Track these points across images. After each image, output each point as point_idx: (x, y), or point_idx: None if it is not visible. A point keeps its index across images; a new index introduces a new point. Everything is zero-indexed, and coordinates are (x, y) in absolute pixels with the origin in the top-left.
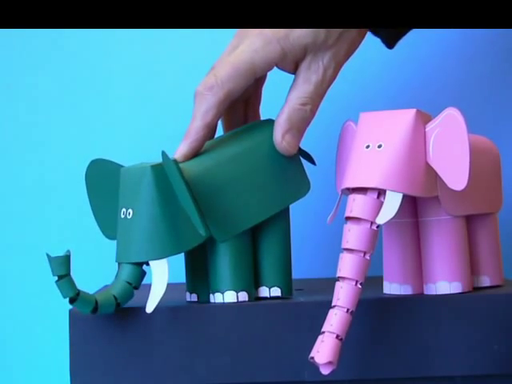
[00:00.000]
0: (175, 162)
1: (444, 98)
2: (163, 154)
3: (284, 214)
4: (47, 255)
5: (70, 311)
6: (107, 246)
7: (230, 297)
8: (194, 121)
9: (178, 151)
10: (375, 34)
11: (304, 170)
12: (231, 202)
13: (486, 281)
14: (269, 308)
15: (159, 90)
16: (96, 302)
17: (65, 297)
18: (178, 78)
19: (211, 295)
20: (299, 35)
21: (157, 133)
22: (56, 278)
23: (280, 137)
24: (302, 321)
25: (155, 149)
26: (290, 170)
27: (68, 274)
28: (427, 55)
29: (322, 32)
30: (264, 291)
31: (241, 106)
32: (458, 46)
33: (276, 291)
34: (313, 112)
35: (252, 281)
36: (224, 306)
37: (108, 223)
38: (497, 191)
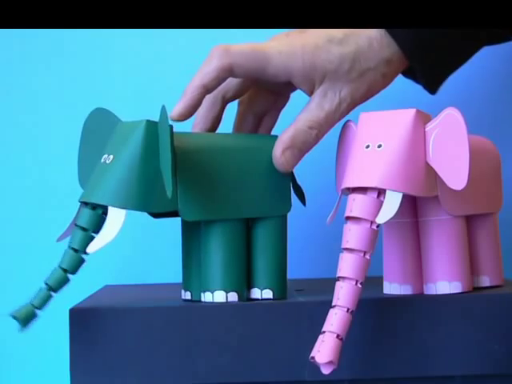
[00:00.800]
0: (169, 121)
1: (444, 98)
2: (162, 108)
3: (280, 218)
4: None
5: (70, 311)
6: (107, 246)
7: (219, 296)
8: (192, 80)
9: (174, 109)
10: (415, 80)
11: (290, 193)
12: (210, 188)
13: (485, 281)
14: (269, 308)
15: (159, 90)
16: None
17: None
18: (178, 78)
19: (202, 294)
20: (324, 59)
21: None
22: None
23: (280, 152)
24: (302, 321)
25: None
26: (277, 186)
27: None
28: None
29: (346, 63)
30: (256, 293)
31: (253, 121)
32: None
33: (268, 293)
34: (318, 138)
35: (243, 282)
36: (224, 305)
37: (89, 174)
38: (497, 191)
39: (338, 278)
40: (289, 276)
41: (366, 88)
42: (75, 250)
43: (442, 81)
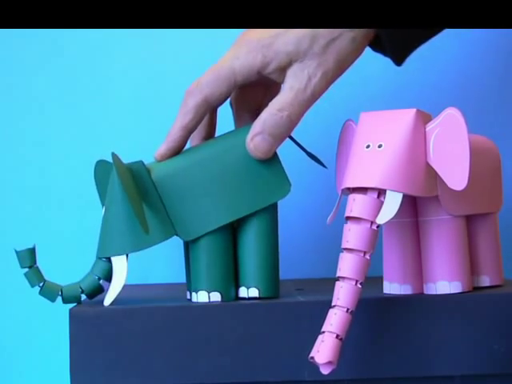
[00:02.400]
0: (115, 168)
1: (444, 98)
2: (113, 155)
3: (266, 215)
4: (15, 250)
5: (70, 311)
6: None
7: (202, 296)
8: (174, 123)
9: (158, 151)
10: (381, 51)
11: (284, 172)
12: (199, 202)
13: (485, 281)
14: (269, 308)
15: (159, 90)
16: (61, 291)
17: (32, 286)
18: (178, 78)
19: (190, 294)
20: (283, 42)
21: (157, 133)
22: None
23: (250, 139)
24: (302, 321)
25: (155, 148)
26: (267, 172)
27: (33, 266)
28: (427, 55)
29: (306, 39)
30: (243, 292)
31: (250, 116)
32: (458, 46)
33: (254, 292)
34: (290, 118)
35: (227, 281)
36: (224, 305)
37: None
38: (497, 191)
39: (338, 278)
40: (289, 276)
41: (335, 58)
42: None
43: (409, 52)
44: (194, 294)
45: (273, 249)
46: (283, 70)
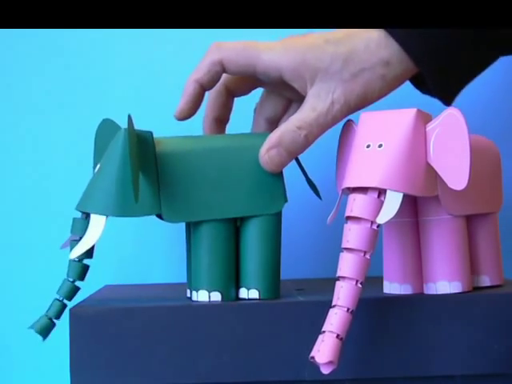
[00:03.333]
0: (127, 130)
1: None
2: (129, 117)
3: (270, 217)
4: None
5: (70, 311)
6: (107, 246)
7: (202, 296)
8: (188, 78)
9: (176, 109)
10: (427, 92)
11: (283, 188)
12: (194, 189)
13: (485, 281)
14: (269, 307)
15: (160, 90)
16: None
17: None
18: (178, 78)
19: (190, 292)
20: (315, 56)
21: (157, 132)
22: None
23: (265, 150)
24: (302, 321)
25: None
26: (268, 183)
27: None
28: None
29: (338, 63)
30: (243, 292)
31: (265, 125)
32: None
33: (254, 293)
34: (307, 139)
35: (228, 281)
36: (224, 305)
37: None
38: (497, 191)
39: (338, 278)
40: (289, 276)
41: (361, 90)
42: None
43: (456, 90)
44: (194, 292)
45: (275, 250)
46: (305, 81)
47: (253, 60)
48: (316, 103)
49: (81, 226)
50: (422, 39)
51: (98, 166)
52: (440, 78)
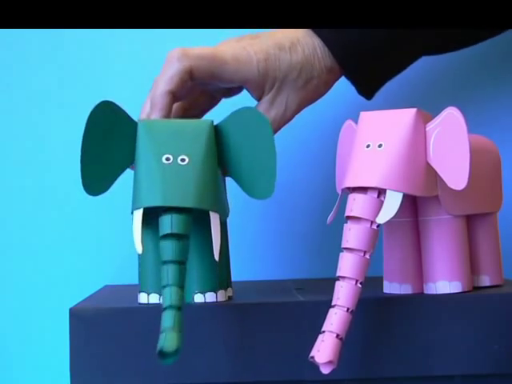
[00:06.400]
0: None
1: (444, 97)
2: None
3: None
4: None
5: (70, 311)
6: (107, 246)
7: (197, 298)
8: (156, 87)
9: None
10: (352, 82)
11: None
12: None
13: (485, 280)
14: (269, 308)
15: None
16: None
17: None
18: None
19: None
20: (273, 66)
21: None
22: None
23: None
24: (302, 320)
25: None
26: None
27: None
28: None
29: (294, 72)
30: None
31: (184, 114)
32: None
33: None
34: None
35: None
36: (224, 305)
37: (95, 177)
38: (497, 191)
39: (338, 278)
40: (289, 276)
41: (310, 96)
42: (180, 263)
43: (376, 89)
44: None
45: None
46: (263, 90)
47: (220, 69)
48: (270, 109)
49: (187, 225)
50: (346, 39)
51: (186, 158)
52: (364, 79)
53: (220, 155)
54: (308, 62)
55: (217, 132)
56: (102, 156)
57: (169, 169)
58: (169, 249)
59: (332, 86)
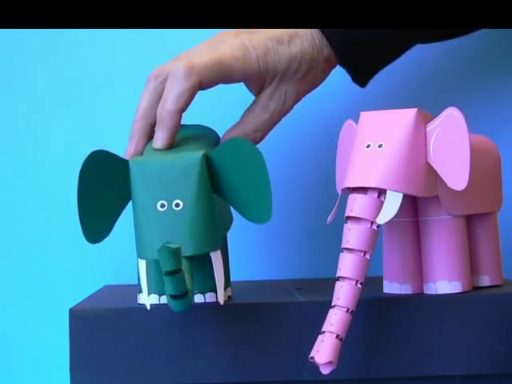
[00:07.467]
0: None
1: (444, 97)
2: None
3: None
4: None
5: (70, 311)
6: (107, 246)
7: (197, 298)
8: (164, 105)
9: (159, 139)
10: (347, 70)
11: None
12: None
13: (485, 280)
14: (269, 308)
15: None
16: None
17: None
18: None
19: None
20: (275, 61)
21: None
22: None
23: None
24: (302, 321)
25: None
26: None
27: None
28: (427, 55)
29: (294, 65)
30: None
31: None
32: (458, 46)
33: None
34: (261, 139)
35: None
36: (223, 305)
37: (94, 225)
38: (497, 191)
39: (338, 278)
40: (289, 276)
41: (308, 86)
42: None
43: (371, 76)
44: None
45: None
46: (263, 84)
47: (226, 74)
48: (268, 104)
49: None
50: (346, 36)
51: (180, 202)
52: (358, 67)
53: (214, 184)
54: (307, 54)
55: (209, 163)
56: (98, 204)
57: (164, 217)
58: (170, 285)
59: (328, 74)
